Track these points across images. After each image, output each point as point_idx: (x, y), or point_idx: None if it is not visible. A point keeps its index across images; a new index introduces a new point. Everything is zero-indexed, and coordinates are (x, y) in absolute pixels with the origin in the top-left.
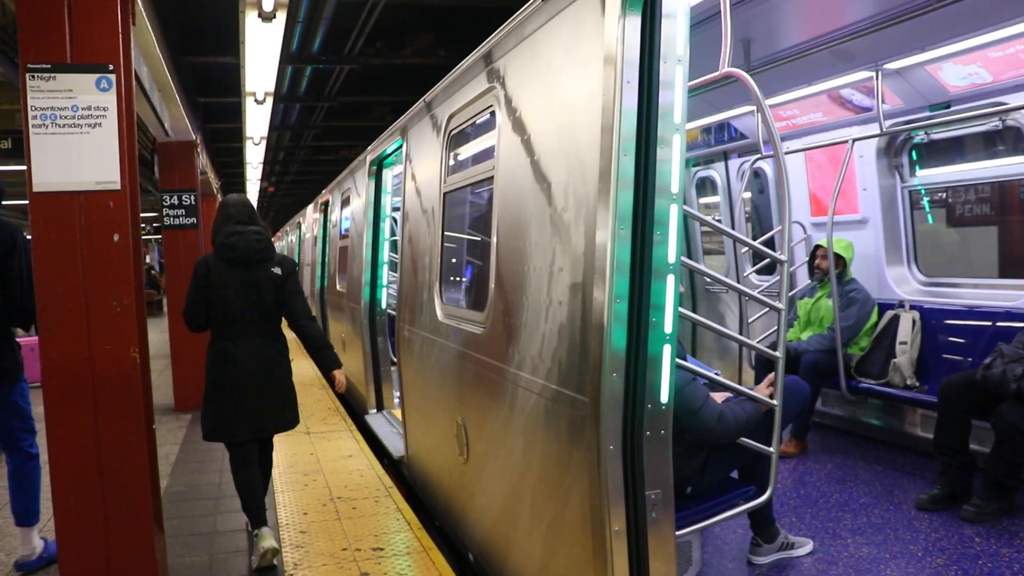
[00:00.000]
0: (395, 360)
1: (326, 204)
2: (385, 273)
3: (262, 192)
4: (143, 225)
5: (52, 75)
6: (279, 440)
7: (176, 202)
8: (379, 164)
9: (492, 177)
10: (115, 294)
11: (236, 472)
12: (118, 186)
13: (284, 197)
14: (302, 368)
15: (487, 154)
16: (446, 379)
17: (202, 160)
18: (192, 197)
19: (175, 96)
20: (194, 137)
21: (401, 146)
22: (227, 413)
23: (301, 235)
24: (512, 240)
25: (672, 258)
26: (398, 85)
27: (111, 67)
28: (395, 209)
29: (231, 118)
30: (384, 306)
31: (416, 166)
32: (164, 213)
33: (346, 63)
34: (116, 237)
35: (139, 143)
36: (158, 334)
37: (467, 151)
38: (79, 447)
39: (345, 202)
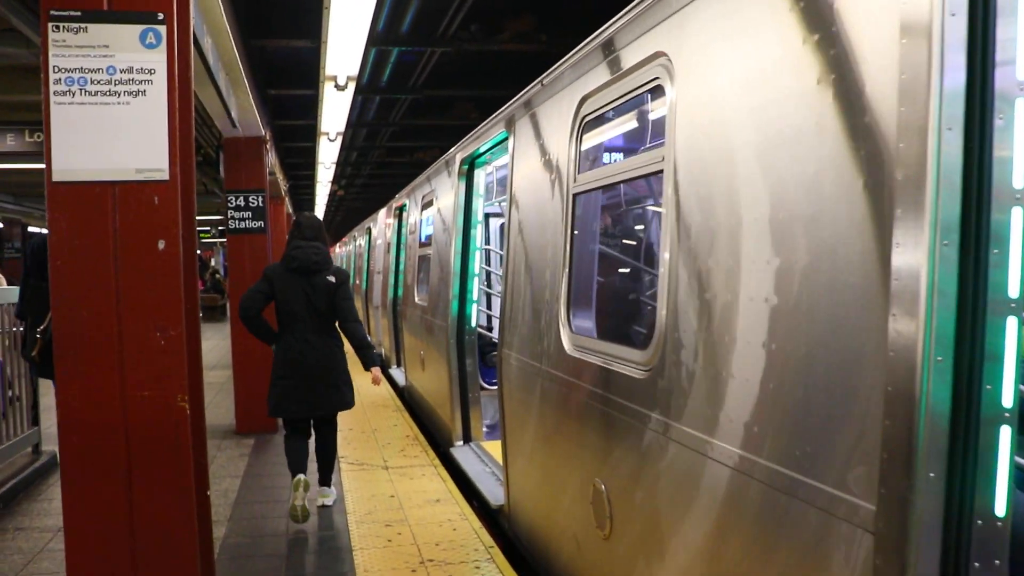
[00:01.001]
0: (485, 385)
1: (401, 208)
2: (475, 286)
3: (331, 196)
4: (206, 228)
5: (82, 25)
6: (354, 478)
7: (242, 203)
8: (471, 163)
9: (660, 171)
10: (158, 322)
11: (287, 443)
12: (166, 175)
13: (353, 202)
14: (375, 390)
15: (648, 142)
16: (575, 427)
17: (271, 159)
18: (260, 198)
19: (243, 82)
20: (263, 132)
21: (505, 139)
22: (288, 395)
23: (371, 241)
24: (704, 255)
25: (1015, 290)
26: (490, 76)
27: (161, 16)
28: (488, 215)
29: (304, 112)
30: (474, 324)
31: (528, 163)
32: (228, 215)
33: (438, 46)
34: (162, 244)
35: (204, 139)
36: (220, 340)
37: (610, 141)
38: (106, 529)
39: (427, 205)
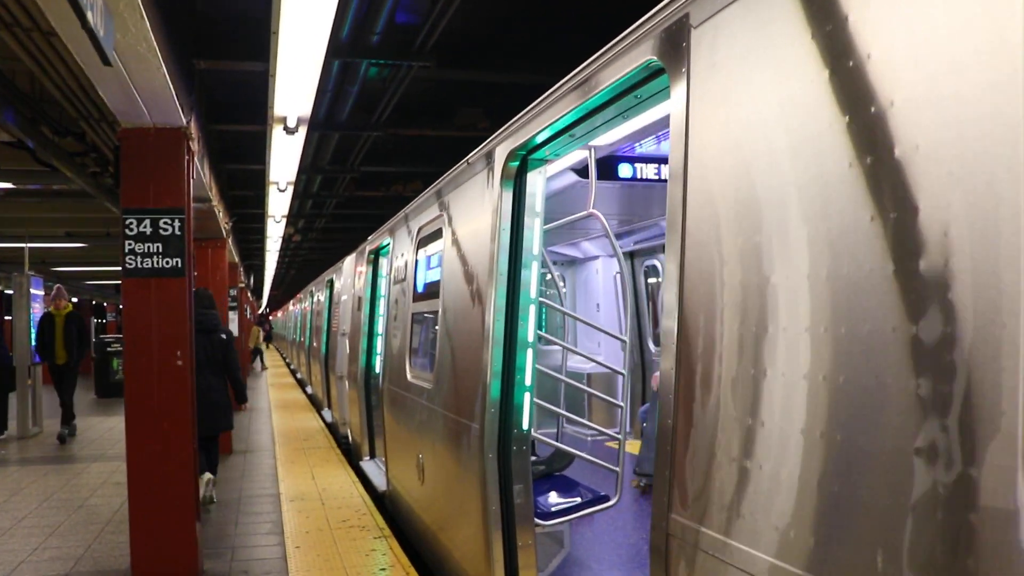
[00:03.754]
0: (538, 520)
1: (379, 252)
2: (529, 361)
3: (286, 242)
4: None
5: None
6: None
7: (148, 231)
8: (523, 160)
9: None
10: None
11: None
12: None
13: (311, 252)
14: (343, 494)
15: None
16: None
17: (201, 172)
18: (176, 223)
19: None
20: (183, 121)
21: (651, 78)
22: (198, 420)
23: (333, 296)
24: None
25: None
26: (522, 45)
27: None
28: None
29: (250, 111)
30: (527, 425)
31: (775, 103)
32: (126, 248)
33: None
34: None
35: (97, 134)
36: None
37: None
38: None
39: (429, 238)
